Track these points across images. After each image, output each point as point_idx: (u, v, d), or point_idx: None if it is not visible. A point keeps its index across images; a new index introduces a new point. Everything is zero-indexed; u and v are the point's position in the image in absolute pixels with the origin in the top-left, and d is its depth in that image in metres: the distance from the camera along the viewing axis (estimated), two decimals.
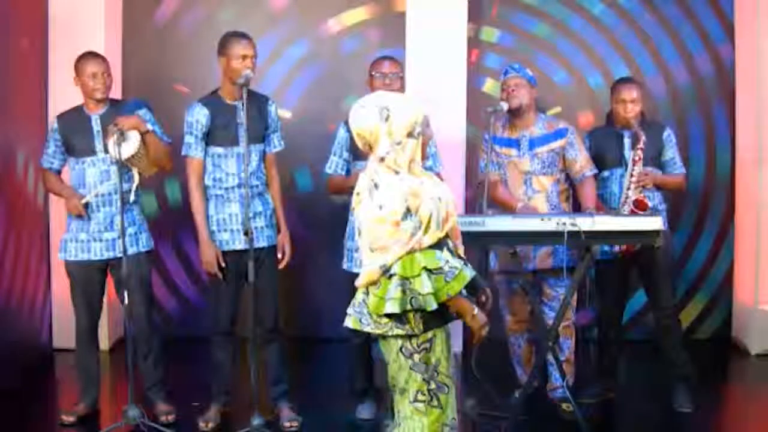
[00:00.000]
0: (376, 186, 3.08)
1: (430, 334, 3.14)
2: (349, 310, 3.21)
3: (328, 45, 6.19)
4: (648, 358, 5.31)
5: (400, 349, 3.14)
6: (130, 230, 4.54)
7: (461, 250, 3.32)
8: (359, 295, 3.19)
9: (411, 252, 3.05)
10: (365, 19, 6.16)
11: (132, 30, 6.11)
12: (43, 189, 5.55)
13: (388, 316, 3.08)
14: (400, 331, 3.10)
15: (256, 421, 4.26)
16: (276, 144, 4.64)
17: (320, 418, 4.69)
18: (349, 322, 3.20)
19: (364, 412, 4.72)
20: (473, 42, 6.07)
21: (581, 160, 4.71)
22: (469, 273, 3.13)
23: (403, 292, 3.04)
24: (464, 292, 3.16)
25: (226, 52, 4.44)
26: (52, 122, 4.63)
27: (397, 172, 3.08)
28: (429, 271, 3.05)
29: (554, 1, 6.14)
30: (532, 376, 4.53)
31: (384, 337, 3.16)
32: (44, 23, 5.68)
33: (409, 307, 3.05)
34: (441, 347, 3.17)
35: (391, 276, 3.06)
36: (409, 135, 3.11)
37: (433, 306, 3.05)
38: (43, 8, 5.67)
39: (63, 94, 5.56)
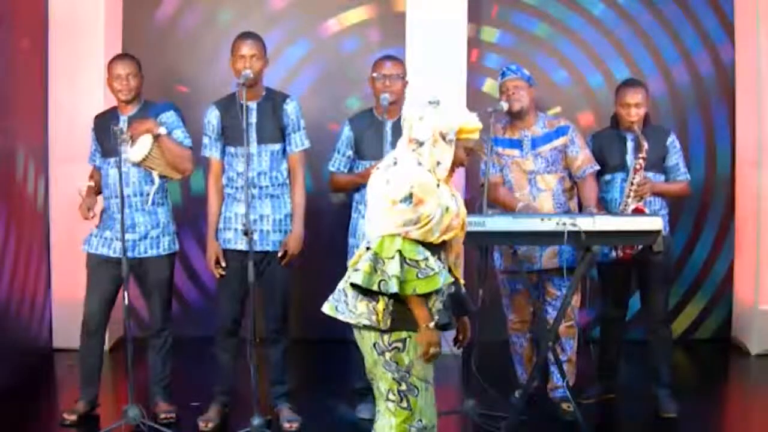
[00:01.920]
0: (395, 162, 3.13)
1: (403, 335, 3.12)
2: (330, 297, 3.25)
3: (328, 45, 6.19)
4: (648, 358, 5.31)
5: (374, 344, 3.15)
6: (152, 233, 4.57)
7: (460, 271, 3.32)
8: (341, 284, 3.22)
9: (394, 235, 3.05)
10: (365, 19, 6.16)
11: (132, 30, 6.10)
12: (42, 189, 5.58)
13: (365, 293, 3.08)
14: (367, 322, 3.10)
15: (256, 421, 4.25)
16: (298, 143, 4.57)
17: (320, 418, 4.69)
18: (326, 308, 3.24)
19: (364, 412, 4.72)
20: (473, 42, 6.07)
21: (582, 157, 4.71)
22: (442, 280, 3.09)
23: (374, 269, 3.04)
24: (439, 305, 3.14)
25: (231, 51, 4.46)
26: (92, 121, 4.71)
27: (420, 164, 3.11)
28: (403, 258, 3.04)
29: (554, 1, 6.15)
30: (532, 376, 4.53)
31: (359, 329, 3.17)
32: (44, 23, 5.68)
33: (375, 287, 3.04)
34: (416, 350, 3.13)
35: (367, 249, 3.09)
36: (442, 136, 3.12)
37: (393, 289, 3.02)
38: (43, 8, 5.67)
39: (63, 94, 5.59)
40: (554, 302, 4.73)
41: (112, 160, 4.52)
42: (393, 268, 3.02)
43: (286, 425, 4.52)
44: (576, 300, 4.74)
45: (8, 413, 4.70)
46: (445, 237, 3.14)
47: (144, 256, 4.55)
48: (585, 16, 6.16)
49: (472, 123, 3.18)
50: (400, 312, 3.10)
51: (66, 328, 5.35)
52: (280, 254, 4.51)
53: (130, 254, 4.49)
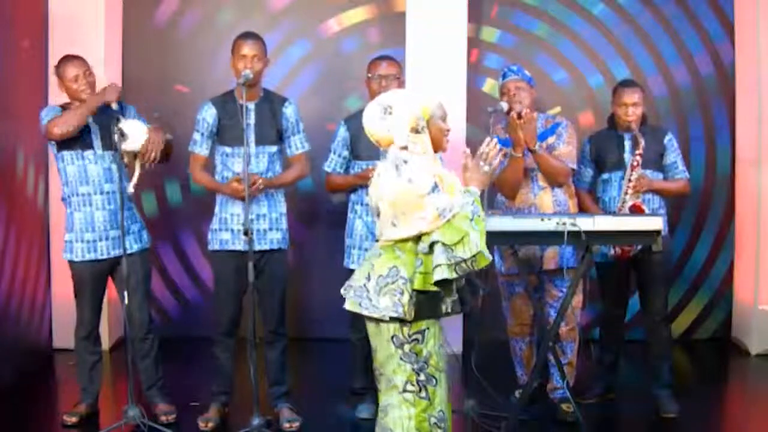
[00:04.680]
0: (405, 162, 3.18)
1: (423, 325, 3.21)
2: (348, 293, 3.29)
3: (328, 45, 6.19)
4: (648, 358, 5.32)
5: (392, 337, 3.22)
6: (133, 228, 4.54)
7: None
8: (360, 279, 3.26)
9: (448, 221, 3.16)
10: (365, 19, 6.17)
11: (132, 30, 6.11)
12: (42, 189, 5.57)
13: (437, 284, 3.16)
14: (394, 314, 3.16)
15: (256, 421, 4.25)
16: (299, 146, 4.59)
17: (320, 418, 4.69)
18: (349, 305, 3.29)
19: (364, 412, 4.72)
20: (473, 42, 6.08)
21: (561, 151, 4.67)
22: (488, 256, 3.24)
23: (449, 259, 3.13)
24: (455, 296, 3.28)
25: (232, 51, 4.46)
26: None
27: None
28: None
29: (554, 1, 6.15)
30: (532, 376, 4.52)
31: (377, 323, 3.23)
32: (44, 23, 5.68)
33: (455, 274, 3.13)
34: (433, 341, 3.24)
35: (432, 245, 3.14)
36: (414, 130, 3.21)
37: (488, 258, 3.17)
38: (43, 8, 5.68)
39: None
40: (556, 303, 4.71)
41: (89, 156, 4.44)
42: (472, 245, 3.13)
43: (286, 425, 4.52)
44: (577, 301, 4.73)
45: (8, 413, 4.70)
46: None
47: (128, 251, 4.44)
48: (585, 16, 6.16)
49: (432, 102, 3.29)
50: (422, 302, 3.19)
51: (66, 328, 5.33)
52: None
53: (117, 251, 4.46)
